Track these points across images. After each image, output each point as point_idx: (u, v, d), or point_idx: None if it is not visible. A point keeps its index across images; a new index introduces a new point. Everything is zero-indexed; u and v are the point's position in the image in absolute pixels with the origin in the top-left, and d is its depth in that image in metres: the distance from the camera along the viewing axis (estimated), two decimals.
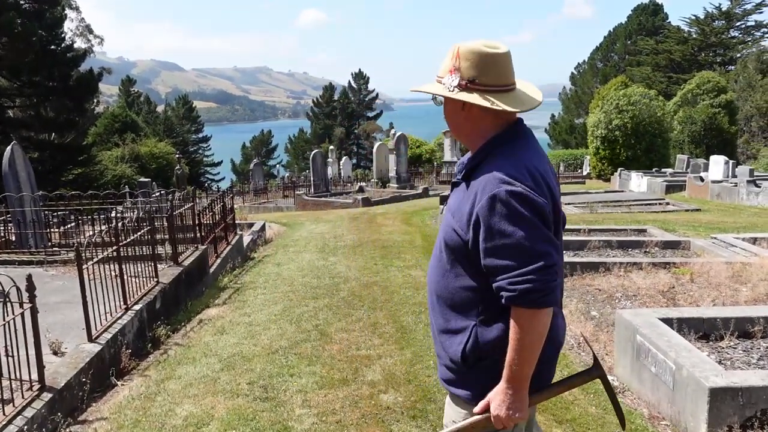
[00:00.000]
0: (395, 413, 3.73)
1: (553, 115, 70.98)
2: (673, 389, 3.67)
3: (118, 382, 4.55)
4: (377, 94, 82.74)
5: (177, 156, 30.03)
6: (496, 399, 1.82)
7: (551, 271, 1.71)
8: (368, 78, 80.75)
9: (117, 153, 43.77)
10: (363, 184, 24.28)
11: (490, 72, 1.86)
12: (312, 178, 22.21)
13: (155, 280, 6.24)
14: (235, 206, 25.30)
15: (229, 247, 9.17)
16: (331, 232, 11.89)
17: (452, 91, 1.89)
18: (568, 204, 14.05)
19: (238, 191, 27.01)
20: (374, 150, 26.01)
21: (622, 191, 17.00)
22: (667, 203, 13.59)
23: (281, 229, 13.67)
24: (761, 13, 52.13)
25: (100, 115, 54.21)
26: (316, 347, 4.96)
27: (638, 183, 19.77)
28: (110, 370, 4.64)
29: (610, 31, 68.76)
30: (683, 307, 4.95)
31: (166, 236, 7.33)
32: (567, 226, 9.28)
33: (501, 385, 1.80)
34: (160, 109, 78.85)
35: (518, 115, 1.94)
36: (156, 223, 6.90)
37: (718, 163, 18.89)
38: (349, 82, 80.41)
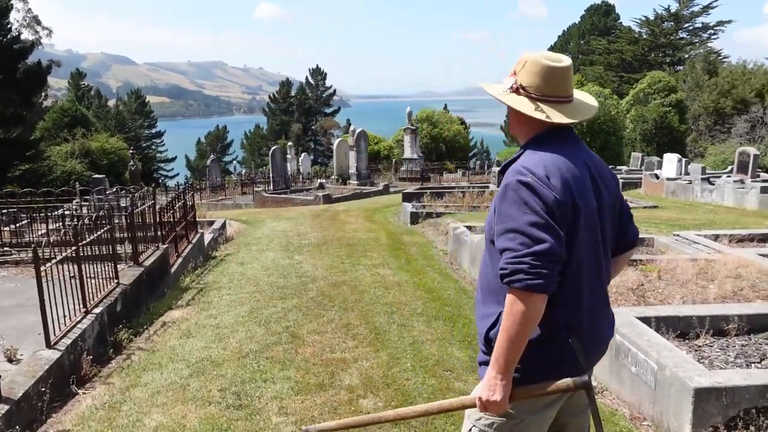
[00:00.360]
0: None
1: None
2: (655, 389, 3.65)
3: (80, 391, 4.31)
4: (335, 91, 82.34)
5: (130, 152, 29.26)
6: (482, 380, 1.91)
7: (545, 259, 1.77)
8: (326, 74, 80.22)
9: (67, 148, 42.43)
10: (323, 180, 24.07)
11: (543, 82, 1.97)
12: (271, 175, 21.89)
13: (115, 281, 5.97)
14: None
15: (191, 246, 8.90)
16: (294, 230, 11.69)
17: (504, 92, 2.04)
18: None
19: (194, 188, 26.45)
20: (334, 147, 25.83)
21: None
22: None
23: (242, 227, 13.39)
24: (708, 15, 53.68)
25: (48, 109, 52.46)
26: (288, 350, 4.80)
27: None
28: (71, 377, 4.39)
29: (564, 30, 69.92)
30: (658, 305, 4.95)
31: (125, 235, 7.05)
32: None
33: (488, 367, 1.89)
34: (111, 103, 76.75)
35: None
36: (115, 222, 6.62)
37: (671, 161, 19.30)
38: (307, 78, 79.79)
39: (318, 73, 79.88)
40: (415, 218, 12.45)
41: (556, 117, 1.96)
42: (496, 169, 17.88)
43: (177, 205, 8.76)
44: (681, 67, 53.36)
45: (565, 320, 1.92)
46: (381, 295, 6.43)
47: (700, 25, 55.92)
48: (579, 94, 2.08)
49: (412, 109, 31.96)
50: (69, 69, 74.60)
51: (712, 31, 55.82)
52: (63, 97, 63.21)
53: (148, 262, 6.86)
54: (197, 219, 12.21)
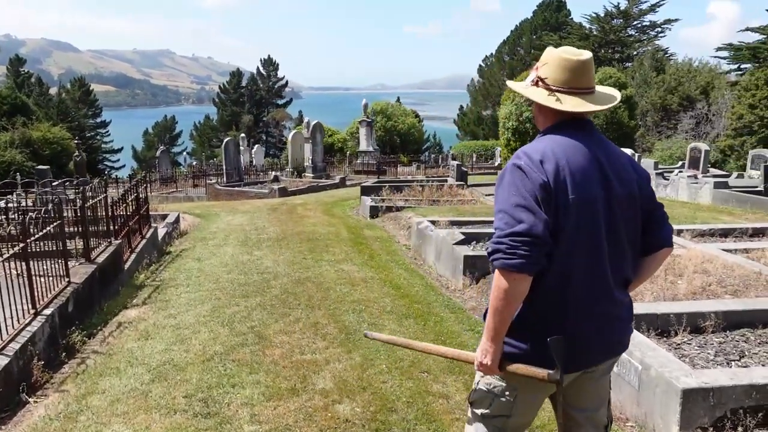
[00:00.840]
0: (355, 426, 3.43)
1: (461, 107, 72.18)
2: (639, 390, 3.58)
3: (31, 399, 3.99)
4: (287, 82, 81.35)
5: (75, 142, 28.20)
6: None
7: (522, 240, 1.85)
8: (278, 64, 79.12)
9: (6, 138, 40.70)
10: (278, 173, 23.67)
11: (560, 74, 2.06)
12: (225, 167, 21.37)
13: (66, 279, 5.61)
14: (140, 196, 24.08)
15: (144, 241, 8.52)
16: (251, 224, 11.38)
17: (525, 86, 2.15)
18: (490, 195, 14.14)
19: (143, 179, 25.68)
20: (289, 139, 25.42)
21: None
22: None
23: (196, 221, 12.99)
24: (656, 13, 55.03)
25: None
26: (255, 352, 4.57)
27: None
28: (20, 385, 4.07)
29: (516, 25, 70.47)
30: (636, 302, 4.92)
31: (76, 230, 6.67)
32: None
33: (483, 334, 2.06)
34: (53, 91, 74.05)
35: (587, 116, 2.12)
36: (65, 216, 6.24)
37: (636, 158, 19.66)
38: (258, 68, 78.54)
39: (270, 64, 78.73)
40: (374, 212, 12.29)
41: (568, 105, 2.04)
42: (453, 162, 17.84)
43: (130, 198, 8.37)
44: (630, 64, 54.50)
45: (550, 303, 1.99)
46: (348, 292, 6.25)
47: (648, 23, 57.21)
48: (602, 88, 2.14)
49: (370, 101, 31.84)
50: (8, 55, 71.63)
51: (659, 29, 57.13)
52: (2, 85, 60.65)
53: (100, 259, 6.50)
54: (149, 212, 11.79)
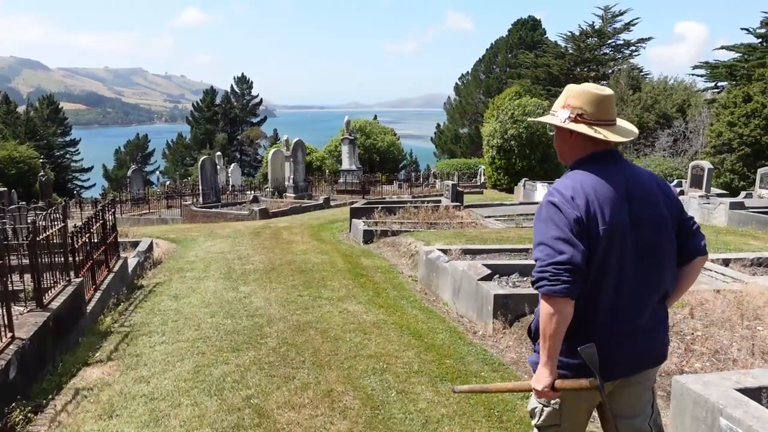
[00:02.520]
0: None
1: (438, 125, 71.90)
2: None
3: None
4: (261, 100, 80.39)
5: (41, 161, 26.73)
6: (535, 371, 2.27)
7: (565, 268, 2.07)
8: (252, 83, 78.20)
9: None
10: (257, 193, 22.47)
11: (596, 108, 2.27)
12: (201, 187, 20.13)
13: (9, 335, 4.45)
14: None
15: (112, 276, 7.34)
16: (233, 252, 10.24)
17: (564, 122, 2.31)
18: (489, 217, 13.18)
19: (113, 200, 24.27)
20: (269, 157, 24.25)
21: (537, 203, 16.47)
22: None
23: (171, 247, 11.80)
24: (630, 32, 55.37)
25: None
26: None
27: (544, 194, 19.39)
28: None
29: (492, 44, 70.57)
30: (755, 369, 3.92)
31: (26, 265, 5.50)
32: (512, 246, 7.77)
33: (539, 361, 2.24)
34: (21, 109, 72.03)
35: (612, 146, 2.31)
36: (11, 251, 5.09)
37: None
38: (232, 86, 77.53)
39: (243, 82, 77.72)
40: (369, 237, 11.23)
41: (612, 137, 2.25)
42: (447, 182, 16.85)
43: (95, 226, 7.20)
44: (605, 82, 54.57)
45: (581, 321, 2.16)
46: (361, 343, 5.14)
47: (622, 42, 57.54)
48: (623, 122, 2.36)
49: (344, 120, 30.79)
50: None
51: (633, 48, 57.51)
52: None
53: (56, 304, 5.32)
54: (118, 240, 10.59)
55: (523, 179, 22.16)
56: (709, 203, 13.21)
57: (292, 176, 22.12)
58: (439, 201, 15.01)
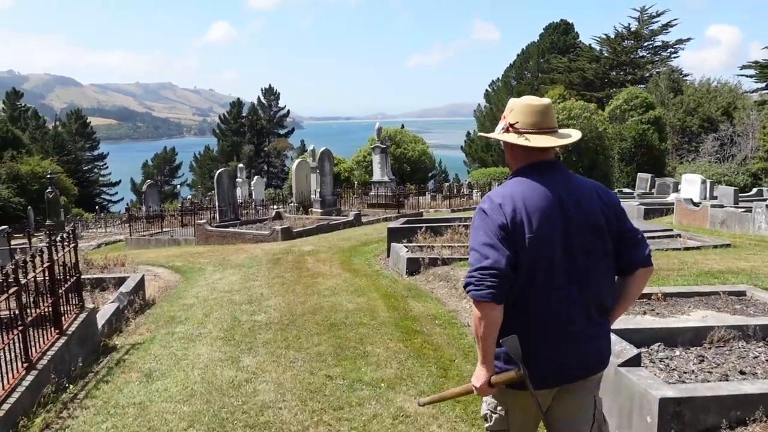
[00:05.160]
0: None
1: (468, 133, 69.85)
2: None
3: None
4: (288, 111, 79.07)
5: (48, 176, 24.94)
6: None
7: (488, 273, 2.14)
8: (279, 94, 76.93)
9: None
10: (281, 208, 20.31)
11: (528, 117, 2.35)
12: (217, 203, 18.04)
13: None
14: (119, 238, 20.67)
15: (63, 341, 5.16)
16: (243, 289, 8.03)
17: (498, 133, 2.44)
18: None
19: (130, 217, 22.39)
20: (293, 168, 22.14)
21: None
22: (678, 235, 10.61)
23: (172, 279, 9.69)
24: (668, 33, 52.81)
25: None
26: None
27: None
28: None
29: (523, 49, 68.56)
30: None
31: None
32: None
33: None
34: (52, 125, 71.83)
35: (552, 157, 2.39)
36: None
37: (693, 183, 16.37)
38: (259, 97, 76.33)
39: (270, 93, 76.40)
40: (414, 267, 8.93)
41: (535, 143, 2.32)
42: None
43: (34, 272, 5.01)
44: (643, 86, 51.95)
45: (515, 327, 2.21)
46: None
47: (659, 44, 55.04)
48: (563, 130, 2.43)
49: (371, 132, 28.56)
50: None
51: (672, 50, 55.02)
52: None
53: None
54: (101, 275, 8.46)
55: None
56: None
57: (318, 189, 19.92)
58: None
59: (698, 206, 13.48)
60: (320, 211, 19.45)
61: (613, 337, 3.99)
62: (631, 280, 2.37)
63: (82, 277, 8.17)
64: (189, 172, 76.69)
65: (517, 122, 2.34)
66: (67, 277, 5.72)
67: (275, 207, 21.64)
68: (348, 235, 14.45)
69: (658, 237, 10.65)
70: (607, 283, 2.33)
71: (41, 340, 4.93)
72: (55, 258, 5.37)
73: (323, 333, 5.72)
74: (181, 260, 11.65)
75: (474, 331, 2.23)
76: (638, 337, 4.27)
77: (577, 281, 2.25)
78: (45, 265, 5.15)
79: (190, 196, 41.75)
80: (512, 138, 2.33)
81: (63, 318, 5.43)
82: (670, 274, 6.78)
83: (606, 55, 55.77)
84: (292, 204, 21.44)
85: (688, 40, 55.41)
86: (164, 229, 19.94)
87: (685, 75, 51.21)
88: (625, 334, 4.20)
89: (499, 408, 2.39)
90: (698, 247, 9.67)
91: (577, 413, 2.39)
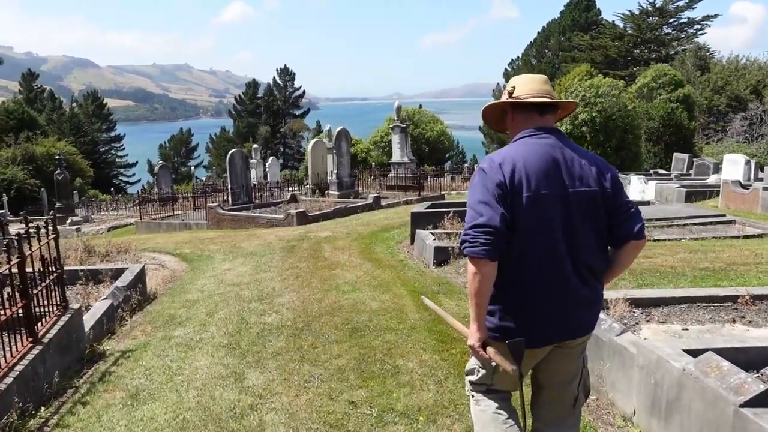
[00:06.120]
0: None
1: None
2: None
3: None
4: (304, 91, 78.14)
5: (57, 157, 24.25)
6: None
7: (484, 230, 2.18)
8: (294, 74, 75.95)
9: (7, 154, 37.29)
10: (296, 191, 19.45)
11: (525, 86, 2.47)
12: (230, 185, 17.20)
13: None
14: (130, 222, 19.95)
15: (38, 351, 4.36)
16: (254, 284, 7.19)
17: (501, 101, 2.53)
18: None
19: (143, 200, 21.67)
20: (309, 149, 21.23)
21: (649, 202, 13.04)
22: (733, 221, 9.60)
23: (178, 269, 8.91)
24: (694, 9, 50.90)
25: None
26: None
27: (641, 189, 15.86)
28: None
29: (543, 27, 67.20)
30: None
31: None
32: (713, 292, 4.12)
33: None
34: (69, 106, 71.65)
35: (549, 124, 2.48)
36: None
37: (736, 163, 15.21)
38: (274, 78, 75.46)
39: (286, 73, 75.43)
40: (442, 257, 8.04)
41: (531, 99, 2.43)
42: None
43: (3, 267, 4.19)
44: (670, 63, 50.31)
45: (512, 285, 2.31)
46: None
47: (686, 20, 53.20)
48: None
49: (388, 112, 27.47)
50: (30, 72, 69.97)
51: (698, 26, 53.18)
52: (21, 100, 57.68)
53: None
54: (96, 266, 7.65)
55: None
56: None
57: (335, 171, 19.02)
58: None
59: (748, 189, 12.41)
60: (337, 193, 18.56)
61: (725, 363, 3.06)
62: (623, 252, 2.43)
63: (78, 268, 7.40)
64: (205, 153, 76.36)
65: (515, 87, 2.44)
66: (46, 274, 4.91)
67: (290, 189, 20.80)
68: (367, 220, 13.56)
69: (711, 223, 9.63)
70: (600, 249, 2.39)
71: (9, 352, 4.13)
72: (29, 252, 4.55)
73: (344, 340, 4.85)
74: (189, 247, 10.87)
75: (468, 288, 2.28)
76: (743, 359, 3.35)
77: (573, 244, 2.31)
78: (14, 262, 4.33)
79: (203, 179, 41.02)
80: (506, 98, 2.47)
81: (39, 323, 4.62)
82: (749, 270, 5.82)
83: (630, 32, 54.09)
84: (308, 186, 20.57)
85: (716, 16, 53.66)
86: (176, 213, 19.18)
87: (712, 52, 49.56)
88: (727, 354, 3.28)
89: (487, 366, 2.44)
90: (759, 235, 8.67)
91: (566, 370, 2.51)
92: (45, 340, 4.53)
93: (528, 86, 2.44)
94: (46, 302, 4.85)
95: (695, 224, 9.52)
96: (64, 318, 4.98)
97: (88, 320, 5.54)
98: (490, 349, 2.31)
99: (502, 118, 2.59)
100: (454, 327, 2.67)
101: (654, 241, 8.20)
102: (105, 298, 6.19)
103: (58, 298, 5.12)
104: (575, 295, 2.34)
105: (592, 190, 2.32)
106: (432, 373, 4.14)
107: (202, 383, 4.11)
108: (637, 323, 4.25)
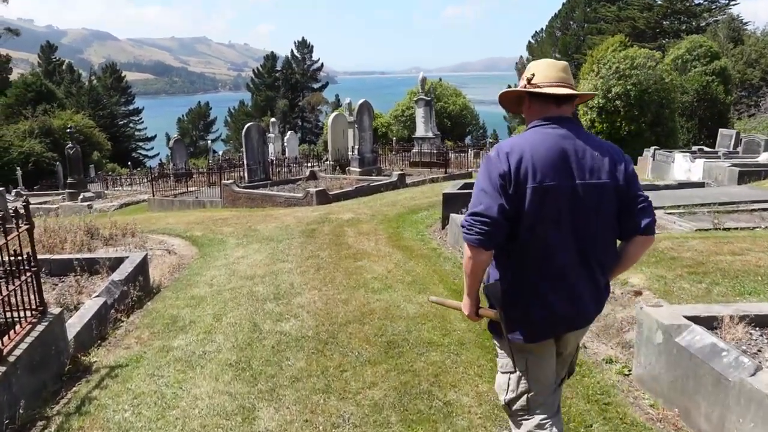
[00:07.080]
0: None
1: (509, 86, 66.86)
2: None
3: None
4: (322, 64, 76.92)
5: (68, 130, 23.48)
6: None
7: (480, 219, 2.17)
8: (312, 47, 74.69)
9: (25, 126, 36.77)
10: (315, 166, 18.51)
11: (543, 72, 2.37)
12: (246, 161, 16.29)
13: None
14: (144, 198, 19.14)
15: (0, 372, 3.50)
16: (269, 277, 6.29)
17: (519, 88, 2.44)
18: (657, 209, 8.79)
19: (157, 175, 20.93)
20: (329, 123, 20.20)
21: (703, 184, 11.93)
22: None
23: (187, 255, 8.06)
24: None
25: (11, 84, 46.55)
26: None
27: (686, 168, 14.68)
28: None
29: None
30: None
31: None
32: None
33: None
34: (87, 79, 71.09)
35: (565, 114, 2.38)
36: None
37: None
38: (292, 51, 74.25)
39: (304, 46, 74.19)
40: None
41: (548, 90, 2.33)
42: None
43: None
44: (701, 35, 48.49)
45: (520, 274, 2.29)
46: None
47: None
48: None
49: (408, 86, 26.31)
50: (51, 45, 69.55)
51: None
52: (40, 72, 57.17)
53: None
54: (92, 255, 6.77)
55: (652, 148, 17.25)
56: None
57: (356, 146, 18.01)
58: None
59: None
60: (359, 170, 17.58)
61: None
62: (630, 246, 2.38)
63: (72, 257, 6.55)
64: (224, 127, 75.75)
65: (534, 75, 2.37)
66: (17, 274, 4.03)
67: (309, 165, 19.86)
68: (392, 200, 12.58)
69: None
70: (608, 242, 2.35)
71: None
72: None
73: (378, 360, 3.92)
74: (201, 228, 10.01)
75: (464, 267, 2.32)
76: None
77: (580, 236, 2.27)
78: None
79: (220, 153, 40.15)
80: (524, 86, 2.38)
81: (5, 337, 3.75)
82: None
83: (659, 2, 52.07)
84: (328, 162, 19.60)
85: None
86: (190, 189, 18.34)
87: (746, 23, 47.63)
88: None
89: (517, 366, 2.39)
90: None
91: (570, 350, 2.53)
92: (11, 359, 3.66)
93: (547, 73, 2.37)
94: (17, 308, 3.99)
95: (764, 209, 8.44)
96: (40, 327, 4.11)
97: (75, 324, 4.68)
98: (481, 310, 2.41)
99: (519, 102, 2.49)
100: (454, 306, 2.65)
101: (725, 230, 7.17)
102: (97, 296, 5.32)
103: (36, 301, 4.25)
104: (577, 290, 2.30)
105: (603, 182, 2.27)
106: (495, 414, 3.20)
107: (201, 424, 3.21)
108: (759, 350, 3.28)
